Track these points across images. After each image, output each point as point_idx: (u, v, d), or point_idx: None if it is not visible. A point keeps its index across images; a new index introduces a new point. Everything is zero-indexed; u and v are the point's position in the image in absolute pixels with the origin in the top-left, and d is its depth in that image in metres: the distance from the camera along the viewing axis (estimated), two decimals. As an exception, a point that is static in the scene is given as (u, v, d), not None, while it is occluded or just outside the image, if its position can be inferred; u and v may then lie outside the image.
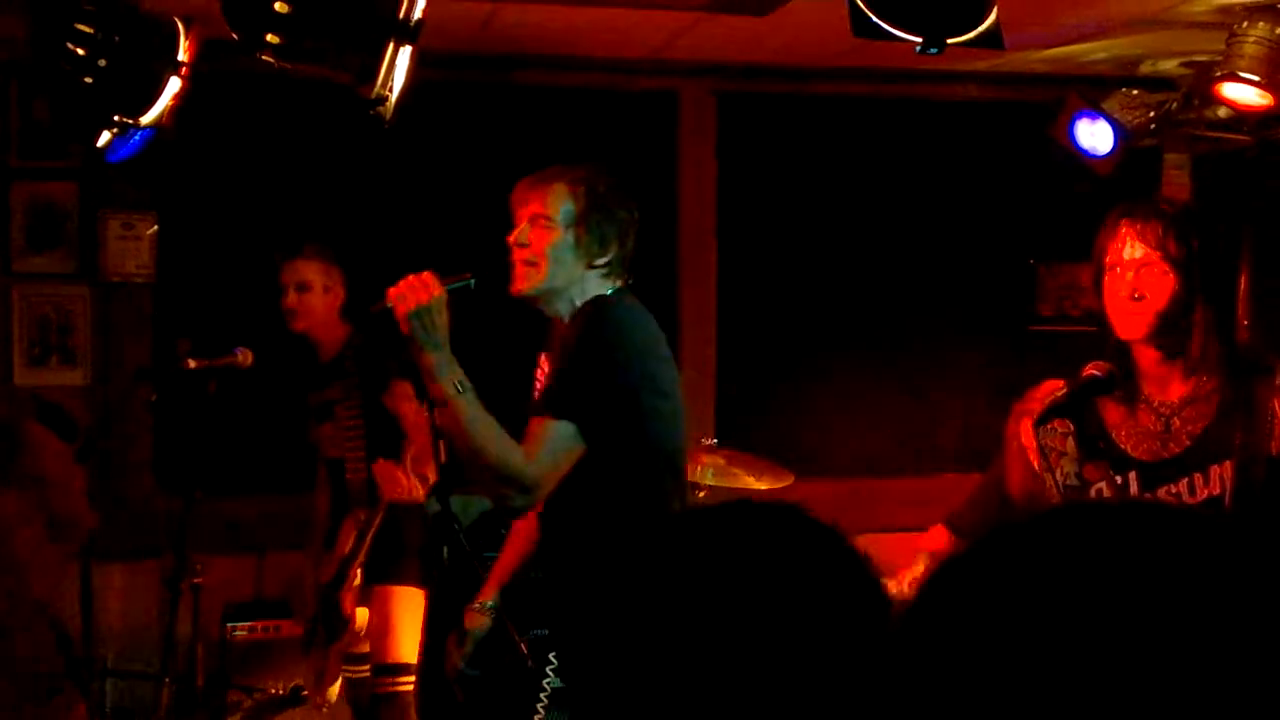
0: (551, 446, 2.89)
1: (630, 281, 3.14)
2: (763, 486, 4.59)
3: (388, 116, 2.86)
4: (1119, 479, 2.81)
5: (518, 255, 3.07)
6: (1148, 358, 2.79)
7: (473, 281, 2.93)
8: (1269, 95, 4.02)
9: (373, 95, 2.80)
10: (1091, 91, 4.85)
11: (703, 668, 1.07)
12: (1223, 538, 0.80)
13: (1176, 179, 5.62)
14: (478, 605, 3.33)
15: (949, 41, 3.05)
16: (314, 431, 4.49)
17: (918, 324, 5.69)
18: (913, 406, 5.71)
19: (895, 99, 5.51)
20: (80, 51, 3.49)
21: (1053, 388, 2.85)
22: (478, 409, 2.86)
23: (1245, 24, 4.00)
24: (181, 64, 3.57)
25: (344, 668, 4.39)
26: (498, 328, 5.34)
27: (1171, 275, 2.72)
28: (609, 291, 3.08)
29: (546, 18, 4.60)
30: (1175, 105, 4.79)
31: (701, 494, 4.48)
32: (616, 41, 4.98)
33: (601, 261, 3.07)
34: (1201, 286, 2.73)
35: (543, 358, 3.30)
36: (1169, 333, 2.74)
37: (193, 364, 4.12)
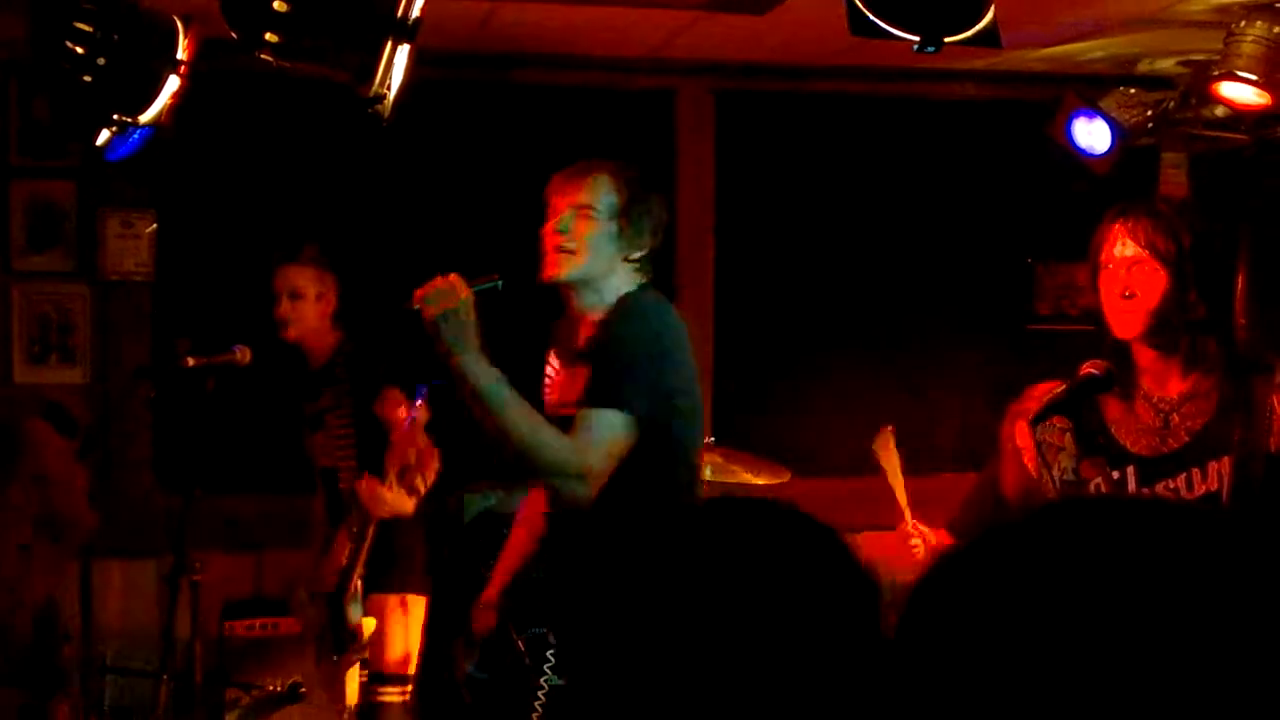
0: (600, 435, 2.87)
1: (652, 279, 3.15)
2: (760, 483, 4.59)
3: (386, 115, 2.86)
4: (1116, 474, 2.82)
5: (553, 242, 3.05)
6: (1146, 355, 2.81)
7: (500, 283, 2.93)
8: (1266, 94, 4.02)
9: (371, 94, 2.81)
10: (1089, 90, 4.85)
11: (694, 661, 1.07)
12: (1220, 532, 0.80)
13: (1174, 178, 5.62)
14: (483, 605, 3.34)
15: (946, 40, 3.05)
16: (307, 441, 4.46)
17: (916, 323, 5.69)
18: (911, 405, 5.71)
19: (893, 98, 5.51)
20: (79, 50, 3.49)
21: (1048, 389, 2.87)
22: (515, 406, 2.83)
23: (1243, 23, 4.00)
24: (180, 63, 3.58)
25: (359, 672, 4.32)
26: (496, 329, 5.35)
27: (1163, 273, 2.73)
28: (637, 287, 3.09)
29: (545, 16, 4.61)
30: (1173, 104, 4.79)
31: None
32: (615, 40, 4.98)
33: (637, 256, 3.09)
34: (1195, 284, 2.74)
35: (551, 355, 3.30)
36: (1163, 331, 2.75)
37: (191, 362, 4.10)
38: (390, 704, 4.32)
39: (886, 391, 5.67)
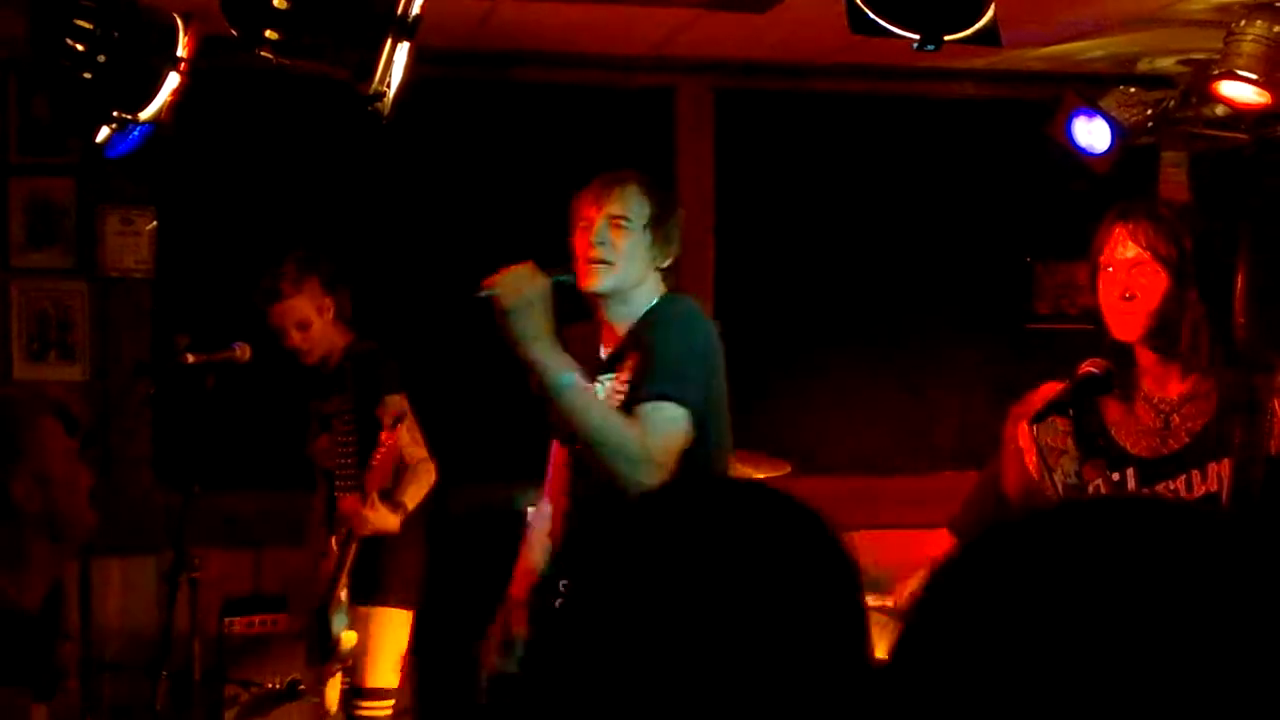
0: (663, 427, 2.88)
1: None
2: (760, 478, 4.59)
3: (385, 112, 2.87)
4: (1116, 476, 2.82)
5: (591, 254, 3.06)
6: (1146, 356, 2.81)
7: (573, 277, 2.93)
8: (1267, 93, 4.02)
9: (370, 91, 2.81)
10: (1089, 89, 4.85)
11: (672, 640, 1.07)
12: (1220, 533, 0.80)
13: (1174, 177, 5.62)
14: (514, 603, 3.34)
15: (946, 38, 3.05)
16: (311, 440, 4.43)
17: (915, 322, 5.69)
18: (910, 404, 5.71)
19: (893, 96, 5.52)
20: (79, 47, 3.49)
21: (1050, 391, 2.87)
22: (585, 396, 2.85)
23: (1243, 22, 4.00)
24: (180, 60, 3.58)
25: (341, 681, 4.29)
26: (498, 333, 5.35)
27: (1163, 275, 2.73)
28: (665, 293, 3.14)
29: (545, 14, 4.61)
30: (1173, 103, 4.79)
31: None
32: (615, 38, 4.98)
33: (666, 264, 3.14)
34: (1195, 285, 2.74)
35: None
36: (1164, 333, 2.75)
37: (191, 359, 4.09)
38: (373, 719, 4.30)
39: (886, 390, 5.68)
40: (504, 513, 4.91)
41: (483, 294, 2.83)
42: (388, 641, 4.28)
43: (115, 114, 3.62)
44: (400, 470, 4.16)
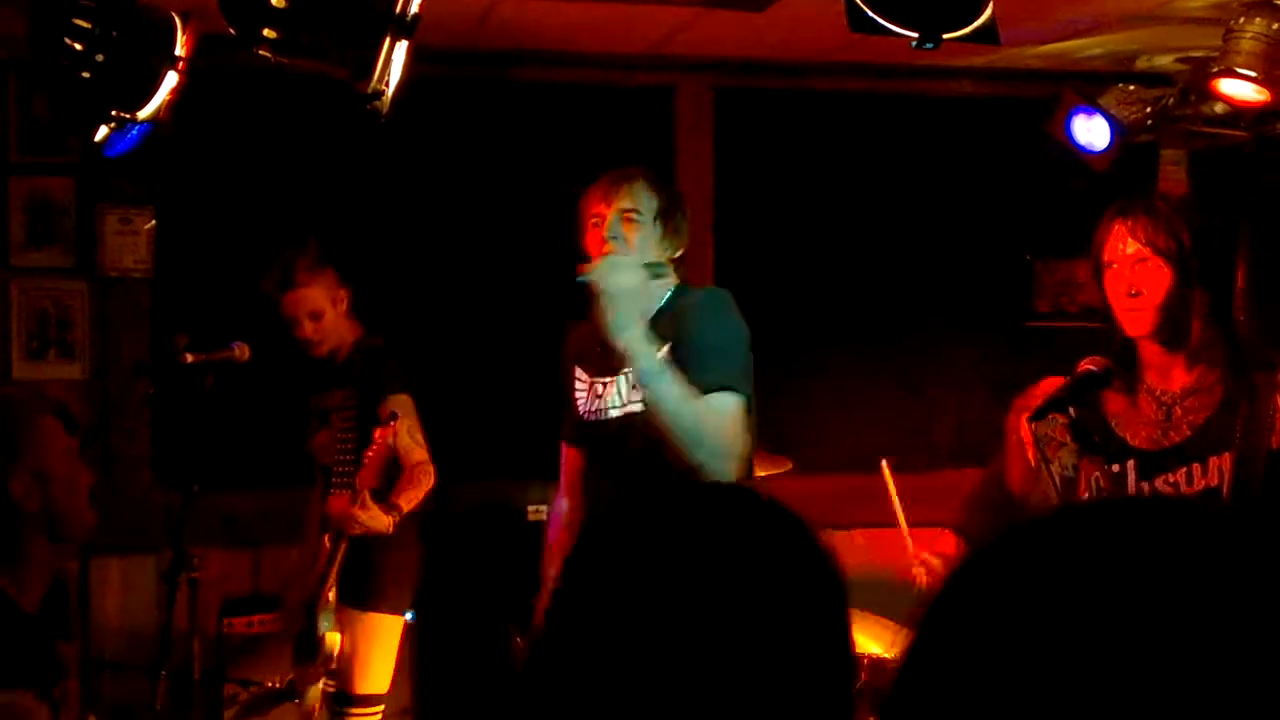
0: (733, 417, 2.90)
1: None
2: (760, 474, 4.59)
3: (384, 111, 2.86)
4: (1116, 468, 2.82)
5: (606, 249, 3.09)
6: (1152, 350, 2.82)
7: (666, 269, 2.96)
8: (1266, 91, 4.03)
9: (369, 90, 2.81)
10: (1088, 87, 4.86)
11: (656, 645, 1.07)
12: (1246, 537, 0.79)
13: (1173, 175, 5.62)
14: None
15: (945, 37, 3.06)
16: (311, 435, 4.39)
17: (914, 320, 5.69)
18: (909, 402, 5.71)
19: (892, 95, 5.52)
20: (78, 46, 3.49)
21: (1052, 385, 2.87)
22: (677, 385, 2.84)
23: (1242, 19, 4.00)
24: (179, 59, 3.58)
25: (324, 682, 4.24)
26: (498, 333, 5.36)
27: (1167, 269, 2.75)
28: (679, 284, 3.18)
29: (544, 13, 4.60)
30: (1172, 101, 4.79)
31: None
32: (614, 37, 4.98)
33: (676, 255, 3.18)
34: (1198, 277, 2.75)
35: (575, 368, 3.29)
36: (1172, 326, 2.77)
37: (190, 358, 4.07)
38: None
39: (885, 388, 5.68)
40: (504, 512, 4.92)
41: (580, 280, 2.86)
42: (377, 647, 4.21)
43: (114, 113, 3.62)
44: (397, 471, 4.09)
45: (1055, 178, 5.13)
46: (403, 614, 4.27)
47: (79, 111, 3.77)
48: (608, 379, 3.19)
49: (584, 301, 2.84)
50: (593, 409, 3.23)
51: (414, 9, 2.80)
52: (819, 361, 5.61)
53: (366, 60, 2.78)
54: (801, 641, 1.10)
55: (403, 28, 2.80)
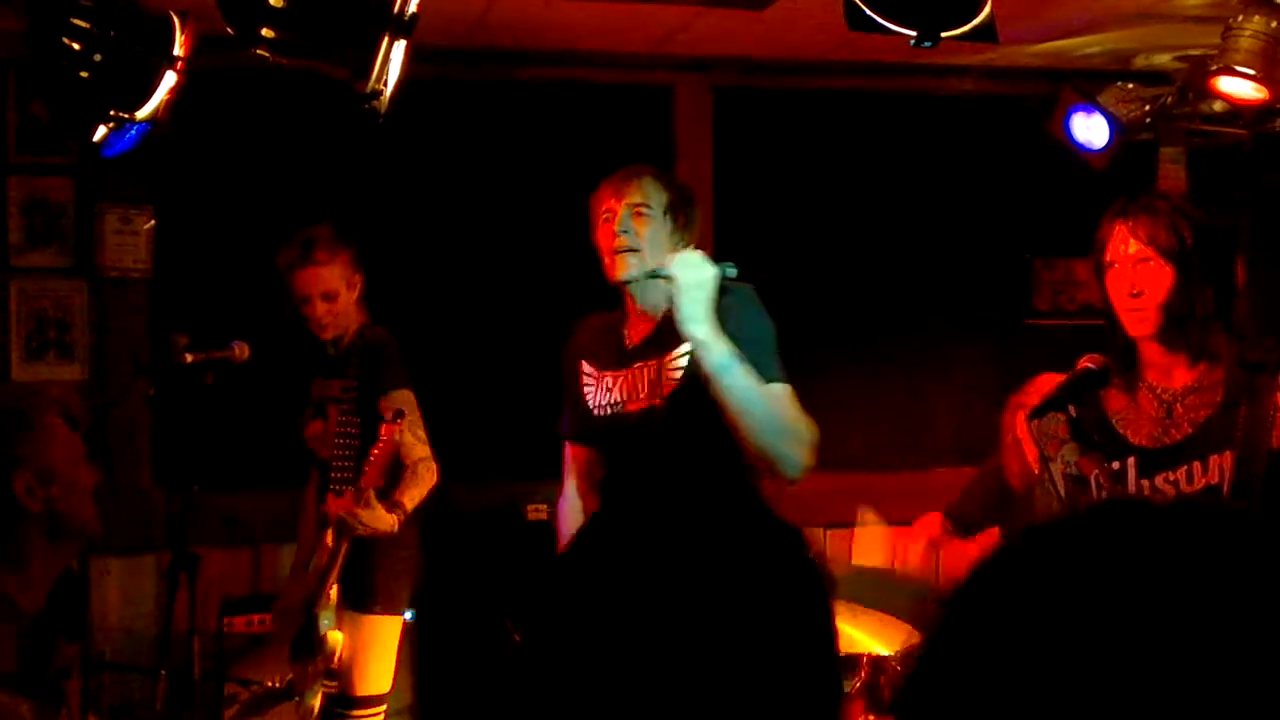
0: (796, 403, 3.00)
1: None
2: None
3: (382, 111, 2.87)
4: (1116, 465, 2.82)
5: (617, 244, 3.12)
6: (1153, 349, 2.82)
7: (736, 270, 2.98)
8: (1264, 89, 4.02)
9: (367, 90, 2.81)
10: (1086, 85, 4.86)
11: (640, 651, 1.07)
12: (1268, 540, 0.78)
13: (1172, 173, 5.62)
14: None
15: (943, 35, 3.06)
16: (308, 427, 4.32)
17: (914, 318, 5.69)
18: (908, 401, 5.71)
19: (891, 93, 5.51)
20: (77, 46, 3.49)
21: (1049, 382, 2.87)
22: (747, 378, 2.89)
23: (1240, 17, 4.00)
24: (177, 59, 3.58)
25: (323, 683, 4.17)
26: (498, 332, 5.36)
27: (1168, 268, 2.75)
28: None
29: (543, 13, 4.60)
30: (1170, 99, 4.79)
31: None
32: (613, 36, 4.98)
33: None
34: (1200, 276, 2.75)
35: (582, 364, 3.29)
36: (1175, 326, 2.77)
37: (190, 358, 4.04)
38: None
39: (884, 387, 5.68)
40: (504, 512, 4.92)
41: (658, 273, 2.93)
42: (377, 649, 4.18)
43: (113, 113, 3.63)
44: (399, 469, 4.03)
45: (1054, 176, 5.13)
46: (401, 614, 4.25)
47: (78, 111, 3.77)
48: (619, 373, 3.20)
49: (616, 296, 2.86)
50: (604, 403, 3.23)
51: (412, 8, 2.80)
52: (818, 359, 5.60)
53: (365, 60, 2.79)
54: (785, 652, 1.10)
55: (401, 27, 2.80)
